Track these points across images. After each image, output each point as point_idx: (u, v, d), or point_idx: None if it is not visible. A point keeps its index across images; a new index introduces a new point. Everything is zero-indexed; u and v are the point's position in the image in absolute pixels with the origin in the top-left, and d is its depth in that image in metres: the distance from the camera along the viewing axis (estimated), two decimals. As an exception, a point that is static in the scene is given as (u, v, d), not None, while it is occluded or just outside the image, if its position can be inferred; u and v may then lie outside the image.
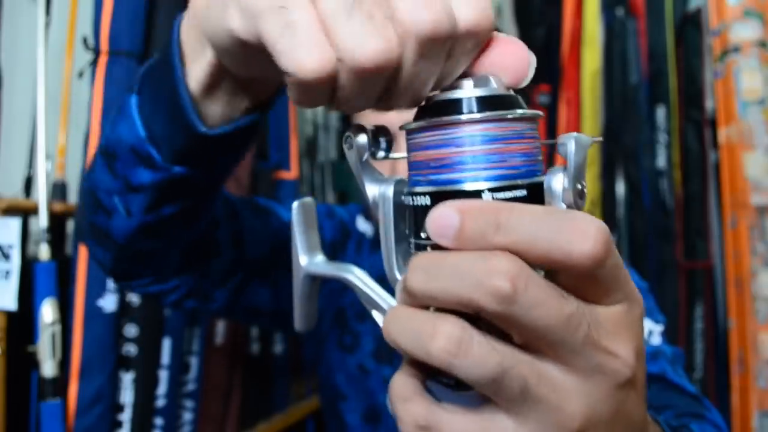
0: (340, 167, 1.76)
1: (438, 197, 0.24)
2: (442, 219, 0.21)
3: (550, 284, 0.21)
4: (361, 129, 0.27)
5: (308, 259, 0.31)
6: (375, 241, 0.74)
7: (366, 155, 0.27)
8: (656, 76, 1.42)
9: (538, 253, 0.21)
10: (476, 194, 0.23)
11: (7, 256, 0.87)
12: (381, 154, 0.28)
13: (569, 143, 0.24)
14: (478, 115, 0.24)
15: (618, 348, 0.22)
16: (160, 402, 0.98)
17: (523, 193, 0.24)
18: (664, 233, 1.45)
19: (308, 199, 0.31)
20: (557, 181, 0.24)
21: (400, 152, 0.29)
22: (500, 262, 0.20)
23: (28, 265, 0.88)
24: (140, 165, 0.39)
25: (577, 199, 0.24)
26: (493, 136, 0.24)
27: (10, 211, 0.89)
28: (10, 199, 0.92)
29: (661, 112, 1.42)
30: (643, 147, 1.43)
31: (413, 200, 0.25)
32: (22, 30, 1.02)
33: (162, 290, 0.54)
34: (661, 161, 1.44)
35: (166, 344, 1.00)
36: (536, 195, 0.24)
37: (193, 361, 1.07)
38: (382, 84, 0.24)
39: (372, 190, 0.27)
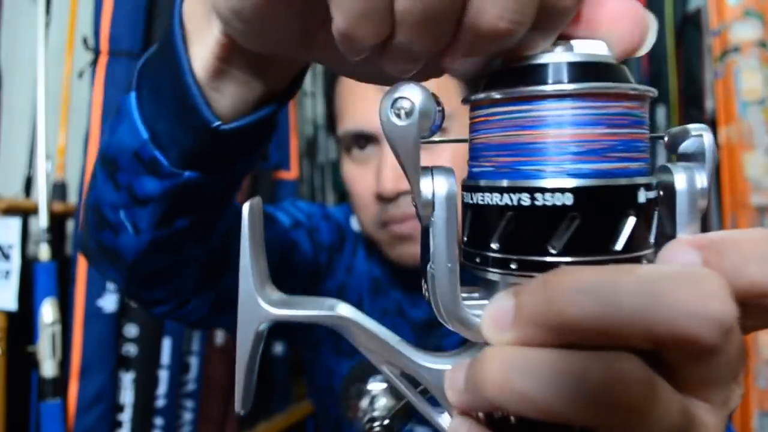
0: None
1: (584, 194, 0.17)
2: None
3: None
4: (421, 88, 0.18)
5: (263, 298, 0.21)
6: (369, 244, 0.71)
7: (427, 131, 0.19)
8: (656, 76, 1.42)
9: None
10: (633, 192, 0.18)
11: (7, 256, 0.87)
12: (428, 134, 0.20)
13: (706, 135, 0.19)
14: (640, 89, 0.18)
15: (741, 376, 0.19)
16: (160, 402, 0.98)
17: (656, 194, 0.19)
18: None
19: (257, 200, 0.22)
20: (698, 180, 0.19)
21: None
22: (714, 284, 0.16)
23: (28, 265, 0.88)
24: (145, 173, 0.34)
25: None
26: (640, 118, 0.19)
27: (10, 211, 0.89)
28: (10, 199, 0.92)
29: (661, 112, 1.42)
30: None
31: (534, 199, 0.18)
32: (22, 30, 1.02)
33: (183, 314, 0.51)
34: (661, 161, 1.44)
35: (166, 344, 0.99)
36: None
37: (193, 361, 1.07)
38: (451, 14, 0.18)
39: (426, 185, 0.19)
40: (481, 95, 0.19)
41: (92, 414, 0.89)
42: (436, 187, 0.19)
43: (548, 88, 0.18)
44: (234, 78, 0.29)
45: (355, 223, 0.75)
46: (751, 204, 1.25)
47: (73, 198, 0.97)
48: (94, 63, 0.93)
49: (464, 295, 0.20)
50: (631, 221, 0.18)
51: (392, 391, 0.30)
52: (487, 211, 0.19)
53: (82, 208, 0.44)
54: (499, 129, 0.19)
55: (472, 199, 0.20)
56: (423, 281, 0.21)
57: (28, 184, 0.99)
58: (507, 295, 0.18)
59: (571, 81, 0.18)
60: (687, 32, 1.42)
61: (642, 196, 0.18)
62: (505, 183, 0.18)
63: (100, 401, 0.89)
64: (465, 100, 0.20)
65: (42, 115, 0.93)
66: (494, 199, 0.19)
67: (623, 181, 0.18)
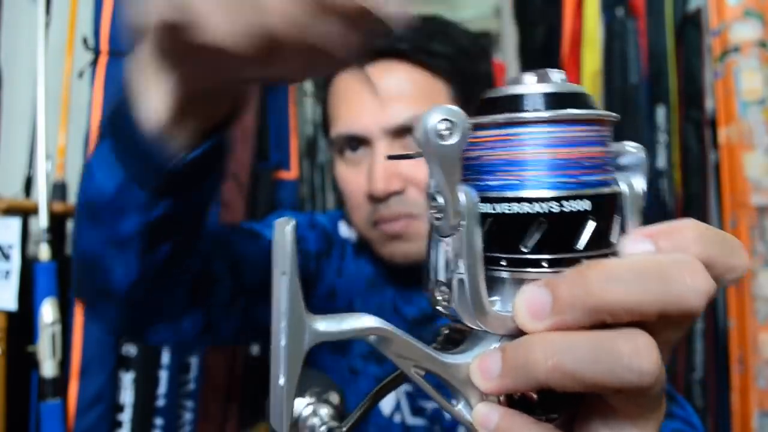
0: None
1: (596, 201, 0.21)
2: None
3: None
4: (457, 109, 0.21)
5: (310, 320, 0.21)
6: (358, 246, 0.73)
7: (465, 146, 0.21)
8: (656, 76, 1.42)
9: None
10: (618, 197, 0.23)
11: (7, 256, 0.87)
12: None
13: (640, 151, 0.24)
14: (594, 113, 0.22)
15: None
16: (160, 402, 0.98)
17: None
18: (664, 233, 1.45)
19: (292, 220, 0.21)
20: (638, 186, 0.23)
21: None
22: (698, 265, 0.20)
23: (28, 265, 0.88)
24: (125, 211, 0.39)
25: None
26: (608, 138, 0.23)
27: (10, 211, 0.89)
28: (10, 199, 0.92)
29: (661, 112, 1.42)
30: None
31: (562, 206, 0.21)
32: (22, 30, 1.02)
33: (179, 339, 0.53)
34: (661, 161, 1.44)
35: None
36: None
37: (193, 361, 1.07)
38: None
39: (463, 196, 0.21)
40: (530, 115, 0.21)
41: (92, 414, 0.89)
42: (466, 199, 0.21)
43: (572, 112, 0.21)
44: (186, 123, 0.35)
45: (344, 229, 0.76)
46: (751, 204, 1.25)
47: (73, 198, 0.97)
48: (94, 63, 0.93)
49: None
50: (618, 219, 0.23)
51: (326, 400, 0.34)
52: (516, 219, 0.21)
53: (73, 258, 0.49)
54: (524, 147, 0.21)
55: (495, 209, 0.22)
56: (434, 289, 0.23)
57: (28, 184, 0.99)
58: (538, 288, 0.21)
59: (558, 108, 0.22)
60: (687, 32, 1.42)
61: (621, 200, 0.23)
62: (535, 194, 0.21)
63: (100, 401, 0.89)
64: (478, 123, 0.22)
65: (42, 115, 0.93)
66: (524, 208, 0.21)
67: (615, 189, 0.23)
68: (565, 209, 0.21)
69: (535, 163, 0.21)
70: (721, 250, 0.22)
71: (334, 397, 0.35)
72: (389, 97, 0.61)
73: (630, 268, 0.20)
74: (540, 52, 1.60)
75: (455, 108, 0.20)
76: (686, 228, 0.22)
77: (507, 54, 1.94)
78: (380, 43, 0.64)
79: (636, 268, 0.20)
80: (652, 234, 0.22)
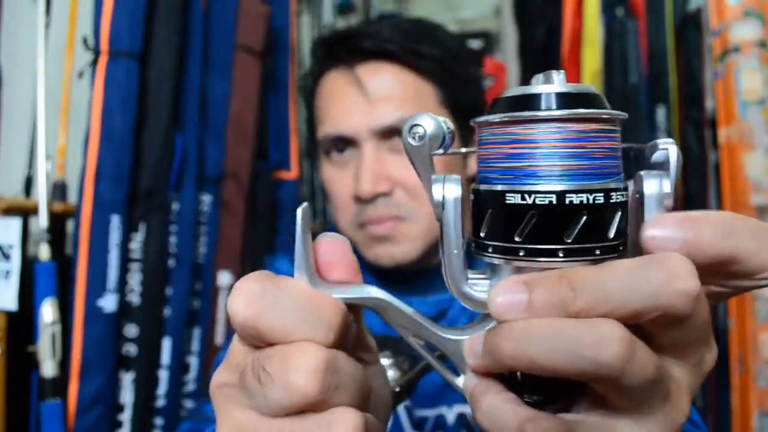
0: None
1: (588, 195, 0.22)
2: None
3: None
4: (433, 118, 0.24)
5: (313, 285, 0.24)
6: None
7: (437, 149, 0.24)
8: (656, 76, 1.42)
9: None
10: (612, 192, 0.22)
11: (7, 256, 0.87)
12: (441, 150, 0.25)
13: (672, 148, 0.24)
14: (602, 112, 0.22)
15: (711, 341, 0.24)
16: (160, 402, 0.98)
17: (626, 194, 0.23)
18: (664, 233, 1.44)
19: (307, 206, 0.25)
20: (664, 186, 0.23)
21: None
22: (678, 263, 0.20)
23: (28, 265, 0.88)
24: None
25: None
26: (614, 135, 0.23)
27: (10, 211, 0.89)
28: (10, 199, 0.92)
29: (661, 112, 1.42)
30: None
31: (561, 199, 0.21)
32: (22, 30, 1.02)
33: None
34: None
35: (166, 344, 1.00)
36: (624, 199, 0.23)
37: (193, 361, 1.07)
38: None
39: (437, 190, 0.24)
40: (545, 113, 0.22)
41: (92, 414, 0.89)
42: (446, 192, 0.23)
43: (542, 113, 0.22)
44: None
45: None
46: (751, 204, 1.25)
47: (73, 198, 0.97)
48: (94, 63, 0.93)
49: (473, 275, 0.24)
50: (618, 216, 0.22)
51: (397, 365, 0.38)
52: (510, 209, 0.22)
53: None
54: (510, 142, 0.23)
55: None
56: (441, 266, 0.25)
57: (28, 184, 0.99)
58: (518, 286, 0.21)
59: (560, 108, 0.22)
60: (687, 32, 1.42)
61: (617, 197, 0.22)
62: (530, 186, 0.22)
63: (100, 401, 0.89)
64: (479, 120, 0.24)
65: (42, 115, 0.93)
66: (516, 198, 0.22)
67: (612, 185, 0.22)
68: (555, 202, 0.21)
69: (523, 156, 0.22)
70: (759, 246, 0.21)
71: (406, 365, 0.39)
72: (377, 98, 0.61)
73: (598, 276, 0.20)
74: (540, 52, 1.60)
75: (429, 115, 0.23)
76: (717, 218, 0.21)
77: (507, 54, 1.94)
78: (369, 43, 0.64)
79: (604, 276, 0.20)
80: (678, 219, 0.21)
